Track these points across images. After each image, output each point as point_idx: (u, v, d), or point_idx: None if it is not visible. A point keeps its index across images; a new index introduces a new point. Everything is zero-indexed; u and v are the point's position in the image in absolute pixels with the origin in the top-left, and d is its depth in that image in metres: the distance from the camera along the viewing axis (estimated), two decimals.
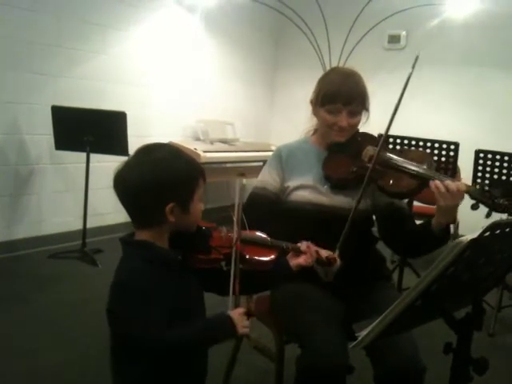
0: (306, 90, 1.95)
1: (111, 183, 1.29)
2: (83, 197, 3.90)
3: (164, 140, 4.20)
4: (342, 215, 1.71)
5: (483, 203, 1.57)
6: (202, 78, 5.41)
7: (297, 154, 1.92)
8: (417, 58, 1.67)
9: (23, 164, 3.99)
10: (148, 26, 4.77)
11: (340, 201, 1.80)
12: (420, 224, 1.77)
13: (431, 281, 0.99)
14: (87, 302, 3.08)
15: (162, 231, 1.30)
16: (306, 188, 1.83)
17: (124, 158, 1.31)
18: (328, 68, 4.58)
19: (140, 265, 1.25)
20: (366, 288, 1.80)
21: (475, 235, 0.94)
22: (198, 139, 5.09)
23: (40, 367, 2.39)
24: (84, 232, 3.98)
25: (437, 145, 2.97)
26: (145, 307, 1.19)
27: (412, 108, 4.99)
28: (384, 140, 1.73)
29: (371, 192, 1.82)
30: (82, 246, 3.98)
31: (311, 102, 1.90)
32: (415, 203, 3.46)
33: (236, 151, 5.02)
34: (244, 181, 1.41)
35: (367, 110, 1.86)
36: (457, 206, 1.60)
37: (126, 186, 1.27)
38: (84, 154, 3.82)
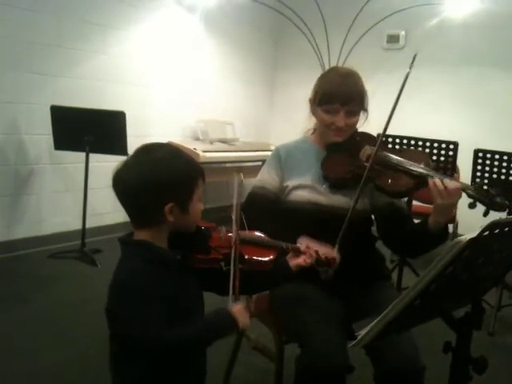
0: (306, 89, 1.95)
1: (110, 183, 1.29)
2: (82, 197, 3.90)
3: (163, 140, 4.21)
4: (340, 215, 1.71)
5: (481, 202, 1.58)
6: (201, 77, 5.42)
7: (296, 153, 1.92)
8: (414, 58, 1.67)
9: (22, 164, 3.99)
10: (148, 25, 4.77)
11: (338, 200, 1.80)
12: (417, 223, 1.77)
13: (430, 280, 1.00)
14: (87, 301, 3.07)
15: (161, 231, 1.30)
16: (305, 188, 1.83)
17: (123, 158, 1.31)
18: (327, 68, 4.58)
19: (139, 265, 1.25)
20: (365, 287, 1.80)
21: (474, 235, 0.94)
22: (197, 139, 5.09)
23: (40, 367, 2.39)
24: (83, 232, 3.98)
25: (436, 144, 2.98)
26: (144, 307, 1.19)
27: (411, 108, 5.00)
28: (381, 139, 1.73)
29: (369, 192, 1.83)
30: (81, 246, 3.98)
31: (310, 100, 1.90)
32: (414, 202, 3.46)
33: (235, 151, 5.02)
34: (242, 176, 1.41)
35: (366, 110, 1.86)
36: (454, 204, 1.61)
37: (124, 185, 1.27)
38: (83, 154, 3.82)
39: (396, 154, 1.76)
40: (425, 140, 2.98)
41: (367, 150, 1.78)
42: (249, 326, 1.32)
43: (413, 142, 3.02)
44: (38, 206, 4.14)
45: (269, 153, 2.05)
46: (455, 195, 1.58)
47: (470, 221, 1.98)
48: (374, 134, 1.90)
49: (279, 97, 6.40)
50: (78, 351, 2.55)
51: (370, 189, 1.81)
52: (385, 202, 1.82)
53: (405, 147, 3.01)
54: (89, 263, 3.84)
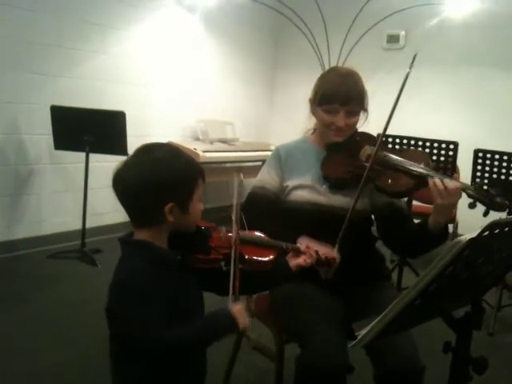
0: (306, 89, 1.95)
1: (110, 183, 1.29)
2: (82, 197, 3.91)
3: (163, 140, 4.21)
4: (340, 215, 1.71)
5: (480, 202, 1.58)
6: (201, 77, 5.42)
7: (296, 153, 1.93)
8: (414, 58, 1.67)
9: (22, 164, 3.99)
10: (148, 25, 4.77)
11: (338, 200, 1.80)
12: (417, 223, 1.77)
13: (430, 280, 1.00)
14: (87, 301, 3.07)
15: (161, 231, 1.30)
16: (305, 188, 1.83)
17: (123, 158, 1.31)
18: (327, 68, 4.58)
19: (139, 265, 1.25)
20: (365, 287, 1.80)
21: (474, 235, 0.94)
22: (197, 139, 5.09)
23: (40, 367, 2.39)
24: (83, 232, 3.98)
25: (436, 144, 2.98)
26: (144, 307, 1.19)
27: (411, 108, 5.00)
28: (381, 139, 1.74)
29: (369, 192, 1.83)
30: (81, 246, 3.98)
31: (310, 100, 1.90)
32: (414, 202, 3.46)
33: (235, 151, 5.02)
34: (242, 176, 1.41)
35: (366, 110, 1.86)
36: (454, 204, 1.61)
37: (124, 185, 1.26)
38: (83, 154, 3.82)
39: (396, 154, 1.76)
40: (425, 140, 2.99)
41: (367, 150, 1.79)
42: (249, 326, 1.32)
43: (413, 142, 3.02)
44: (38, 205, 4.14)
45: (269, 153, 2.05)
46: (455, 195, 1.58)
47: (470, 221, 1.98)
48: (374, 134, 1.90)
49: (279, 97, 6.40)
50: (78, 351, 2.55)
51: (370, 189, 1.81)
52: (385, 202, 1.82)
53: (405, 147, 3.01)
54: (89, 263, 3.84)
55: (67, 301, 3.15)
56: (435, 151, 2.97)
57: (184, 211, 1.29)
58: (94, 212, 4.33)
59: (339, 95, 1.77)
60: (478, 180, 3.01)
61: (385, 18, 5.02)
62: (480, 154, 3.04)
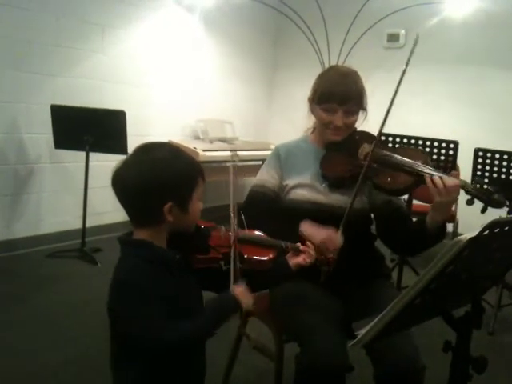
0: (305, 89, 1.95)
1: (110, 182, 1.29)
2: (82, 196, 3.91)
3: (164, 139, 4.21)
4: (339, 214, 1.71)
5: (479, 198, 1.58)
6: (201, 77, 5.41)
7: (295, 152, 1.92)
8: (417, 39, 1.67)
9: (22, 163, 3.99)
10: (147, 25, 4.77)
11: (337, 199, 1.80)
12: (415, 222, 1.77)
13: (430, 279, 0.99)
14: (87, 301, 3.07)
15: (161, 231, 1.30)
16: (304, 187, 1.83)
17: (123, 157, 1.31)
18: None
19: (139, 263, 1.24)
20: (365, 287, 1.80)
21: (474, 234, 0.94)
22: (197, 138, 5.10)
23: (40, 367, 2.38)
24: (83, 231, 3.98)
25: (436, 143, 2.98)
26: (145, 306, 1.19)
27: (411, 107, 5.01)
28: (379, 137, 1.74)
29: (368, 190, 1.83)
30: (81, 245, 3.98)
31: (309, 99, 1.90)
32: (414, 202, 3.46)
33: (235, 150, 5.01)
34: (237, 154, 1.41)
35: (364, 109, 1.86)
36: (452, 202, 1.61)
37: (124, 184, 1.26)
38: (83, 153, 3.82)
39: (394, 153, 1.76)
40: (425, 139, 2.99)
41: (365, 149, 1.79)
42: (251, 306, 1.33)
43: (413, 141, 3.02)
44: (37, 205, 4.14)
45: (268, 152, 2.05)
46: (453, 192, 1.58)
47: (470, 220, 1.98)
48: (374, 132, 1.89)
49: (279, 96, 6.39)
50: (78, 351, 2.55)
51: (369, 187, 1.81)
52: (383, 201, 1.82)
53: (405, 146, 3.00)
54: (89, 262, 3.84)
55: (67, 300, 3.15)
56: (435, 150, 2.98)
57: (183, 211, 1.28)
58: (94, 211, 4.33)
59: (338, 94, 1.77)
60: (483, 179, 3.01)
61: (385, 17, 5.02)
62: (480, 153, 3.04)
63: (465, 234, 0.95)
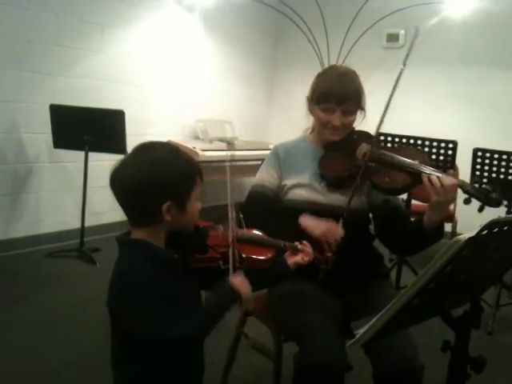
0: (305, 89, 1.95)
1: (109, 182, 1.29)
2: (81, 195, 3.91)
3: (163, 139, 4.20)
4: (338, 214, 1.71)
5: (476, 197, 1.58)
6: (200, 77, 5.41)
7: (294, 152, 1.93)
8: (417, 32, 1.67)
9: (21, 163, 3.99)
10: (147, 25, 4.77)
11: (336, 199, 1.80)
12: (412, 221, 1.77)
13: (429, 279, 0.99)
14: (86, 301, 3.07)
15: (159, 230, 1.29)
16: (303, 186, 1.83)
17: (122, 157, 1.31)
18: None
19: (139, 262, 1.24)
20: (363, 286, 1.80)
21: (473, 233, 0.94)
22: (197, 138, 5.10)
23: (41, 369, 2.37)
24: (82, 231, 3.98)
25: (435, 143, 2.98)
26: (146, 304, 1.18)
27: (410, 107, 5.01)
28: (376, 136, 1.74)
29: (367, 190, 1.83)
30: (80, 245, 3.98)
31: (307, 98, 1.90)
32: (413, 202, 3.46)
33: (235, 150, 5.01)
34: (233, 148, 1.41)
35: (363, 109, 1.86)
36: (449, 201, 1.61)
37: (122, 184, 1.26)
38: (82, 153, 3.82)
39: (392, 152, 1.76)
40: (424, 139, 2.99)
41: (364, 148, 1.79)
42: (250, 295, 1.33)
43: (412, 141, 3.02)
44: (36, 204, 4.14)
45: (267, 152, 2.05)
46: (451, 191, 1.58)
47: (469, 220, 1.98)
48: (373, 132, 1.90)
49: (278, 96, 6.39)
50: (79, 352, 2.54)
51: (368, 187, 1.81)
52: (382, 200, 1.82)
53: (404, 146, 3.01)
54: (88, 262, 3.84)
55: (67, 300, 3.14)
56: (434, 150, 2.98)
57: (182, 210, 1.28)
58: (93, 211, 4.33)
59: (336, 94, 1.77)
60: (480, 179, 3.02)
61: (384, 17, 5.03)
62: (479, 153, 3.05)
63: (463, 234, 0.95)
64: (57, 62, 4.07)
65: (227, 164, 1.42)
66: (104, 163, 4.02)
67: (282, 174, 1.89)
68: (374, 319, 1.09)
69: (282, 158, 1.91)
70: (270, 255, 1.46)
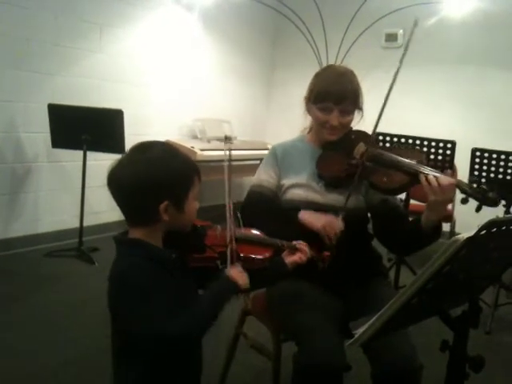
0: (303, 89, 1.95)
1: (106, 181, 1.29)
2: (80, 195, 3.91)
3: (161, 138, 4.19)
4: (336, 213, 1.71)
5: (473, 197, 1.58)
6: (199, 76, 5.41)
7: (292, 152, 1.93)
8: (415, 23, 1.68)
9: (20, 162, 3.98)
10: (146, 24, 4.77)
11: (333, 199, 1.80)
12: (410, 221, 1.78)
13: (427, 279, 1.00)
14: (85, 300, 3.07)
15: (156, 230, 1.29)
16: (301, 186, 1.84)
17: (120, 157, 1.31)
18: None
19: (138, 262, 1.24)
20: (362, 286, 1.80)
21: (471, 233, 0.94)
22: (195, 137, 5.10)
23: (40, 368, 2.37)
24: (81, 230, 3.97)
25: (434, 143, 2.98)
26: (145, 303, 1.18)
27: (409, 107, 5.01)
28: (373, 135, 1.74)
29: (365, 189, 1.83)
30: (78, 245, 3.98)
31: (305, 98, 1.90)
32: (412, 201, 3.46)
33: (233, 149, 5.00)
34: (231, 142, 1.42)
35: (360, 109, 1.86)
36: (447, 201, 1.61)
37: (119, 184, 1.26)
38: (81, 153, 3.81)
39: (390, 152, 1.76)
40: (422, 139, 2.99)
41: (361, 148, 1.79)
42: (248, 285, 1.33)
43: (411, 141, 3.02)
44: (35, 204, 4.14)
45: (266, 151, 2.05)
46: (448, 191, 1.58)
47: (467, 220, 1.98)
48: (371, 132, 1.90)
49: (276, 96, 6.39)
50: (78, 352, 2.53)
51: (366, 186, 1.82)
52: (380, 200, 1.83)
53: (402, 145, 3.01)
54: (86, 261, 3.84)
55: (66, 300, 3.14)
56: (433, 150, 2.98)
57: (179, 210, 1.28)
58: (92, 210, 4.32)
59: (333, 93, 1.77)
60: (476, 179, 3.02)
61: (383, 16, 5.02)
62: (477, 153, 3.05)
63: (462, 234, 0.95)
64: (55, 61, 4.07)
65: (226, 153, 1.42)
66: (102, 163, 3.99)
67: (281, 174, 1.89)
68: (373, 319, 1.09)
69: (280, 157, 1.92)
70: (267, 254, 1.46)
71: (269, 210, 1.82)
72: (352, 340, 1.13)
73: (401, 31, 5.31)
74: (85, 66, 4.30)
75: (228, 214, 1.40)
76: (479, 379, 1.28)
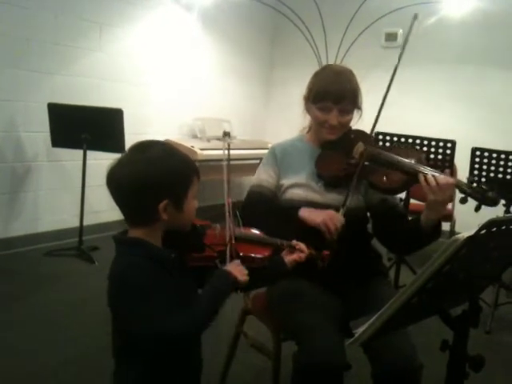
0: (303, 88, 1.95)
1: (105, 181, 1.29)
2: (80, 194, 3.91)
3: (161, 138, 4.20)
4: (337, 210, 1.72)
5: (472, 197, 1.58)
6: (198, 76, 5.41)
7: (291, 152, 1.93)
8: (415, 17, 1.68)
9: (20, 161, 3.98)
10: (145, 23, 4.77)
11: (333, 198, 1.81)
12: (410, 220, 1.78)
13: (427, 278, 1.00)
14: (85, 300, 3.07)
15: (156, 229, 1.29)
16: (300, 186, 1.84)
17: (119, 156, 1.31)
18: None
19: (138, 261, 1.24)
20: (362, 285, 1.80)
21: (471, 233, 0.94)
22: (195, 137, 5.10)
23: (40, 367, 2.37)
24: (81, 229, 3.97)
25: (434, 143, 2.98)
26: (144, 303, 1.18)
27: (409, 106, 5.01)
28: (371, 134, 1.74)
29: (364, 189, 1.83)
30: (78, 244, 3.98)
31: (304, 98, 1.90)
32: (412, 201, 3.46)
33: (233, 148, 5.00)
34: (229, 138, 1.43)
35: (359, 108, 1.86)
36: (446, 201, 1.61)
37: (119, 183, 1.26)
38: (81, 152, 3.81)
39: (389, 151, 1.76)
40: (422, 138, 2.99)
41: (360, 147, 1.79)
42: (246, 279, 1.33)
43: (410, 141, 3.02)
44: (35, 203, 4.14)
45: (265, 151, 2.05)
46: (447, 190, 1.58)
47: (467, 219, 1.98)
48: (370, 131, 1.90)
49: (276, 95, 6.39)
50: (78, 351, 2.53)
51: (365, 186, 1.82)
52: (379, 199, 1.83)
53: (401, 145, 3.01)
54: (86, 260, 3.84)
55: (66, 299, 3.14)
56: (433, 150, 2.98)
57: (178, 209, 1.28)
58: (92, 209, 4.32)
59: (332, 93, 1.77)
60: (475, 179, 3.02)
61: (383, 16, 5.02)
62: (477, 153, 3.05)
63: (462, 233, 0.95)
64: (55, 60, 4.06)
65: (224, 164, 1.42)
66: (102, 162, 3.96)
67: (280, 174, 1.89)
68: (373, 318, 1.09)
69: (280, 157, 1.92)
70: (267, 254, 1.46)
71: (269, 210, 1.82)
72: (352, 339, 1.13)
73: (401, 31, 5.31)
74: (84, 65, 4.29)
75: (227, 213, 1.40)
76: (479, 379, 1.28)
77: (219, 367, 2.19)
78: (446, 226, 1.82)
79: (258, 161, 4.47)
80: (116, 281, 1.24)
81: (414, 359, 1.53)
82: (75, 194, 4.04)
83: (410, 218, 1.81)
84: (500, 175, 2.99)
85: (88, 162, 3.87)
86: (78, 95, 4.10)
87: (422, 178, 1.62)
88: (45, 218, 4.21)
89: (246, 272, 1.33)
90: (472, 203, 1.62)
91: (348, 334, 1.56)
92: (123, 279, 1.22)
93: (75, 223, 4.05)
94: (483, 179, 3.02)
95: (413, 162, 1.69)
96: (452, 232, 4.09)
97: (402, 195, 3.25)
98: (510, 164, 2.96)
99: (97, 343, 2.47)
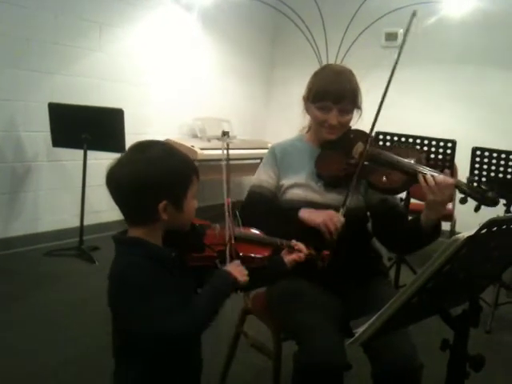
0: (303, 87, 1.95)
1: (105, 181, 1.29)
2: (80, 194, 3.91)
3: (161, 138, 4.20)
4: (337, 210, 1.72)
5: (472, 197, 1.58)
6: (198, 75, 5.41)
7: (291, 152, 1.93)
8: (414, 14, 1.68)
9: (20, 161, 3.98)
10: (145, 23, 4.76)
11: (332, 198, 1.80)
12: (410, 220, 1.78)
13: (427, 278, 1.00)
14: (85, 299, 3.07)
15: (155, 229, 1.29)
16: (300, 186, 1.84)
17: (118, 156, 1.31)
18: None
19: (138, 261, 1.24)
20: (362, 285, 1.80)
21: (472, 232, 0.94)
22: (195, 136, 5.10)
23: (40, 367, 2.37)
24: (81, 229, 3.97)
25: (434, 143, 2.98)
26: (144, 302, 1.18)
27: (409, 106, 5.01)
28: (370, 134, 1.74)
29: (364, 189, 1.83)
30: (79, 244, 3.98)
31: (304, 97, 1.90)
32: (412, 200, 3.46)
33: (233, 148, 5.00)
34: (228, 137, 1.43)
35: (359, 107, 1.86)
36: (445, 201, 1.60)
37: (118, 183, 1.26)
38: (81, 152, 3.81)
39: (389, 151, 1.76)
40: (423, 138, 2.99)
41: (360, 147, 1.79)
42: (246, 279, 1.33)
43: (411, 140, 3.02)
44: (35, 203, 4.14)
45: (265, 151, 2.05)
46: (446, 190, 1.58)
47: (468, 219, 1.98)
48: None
49: (276, 95, 6.38)
50: (78, 351, 2.53)
51: (365, 186, 1.81)
52: (379, 199, 1.83)
53: (401, 145, 3.01)
54: (87, 261, 3.83)
55: (66, 299, 3.14)
56: (433, 149, 2.98)
57: (178, 209, 1.28)
58: (92, 209, 4.32)
59: (332, 92, 1.77)
60: (476, 178, 3.02)
61: (383, 16, 5.02)
62: (478, 152, 3.05)
63: (462, 233, 0.95)
64: (55, 60, 4.06)
65: (223, 164, 1.42)
66: (103, 162, 3.96)
67: (280, 174, 1.89)
68: (373, 318, 1.09)
69: (279, 157, 1.92)
70: (266, 253, 1.46)
71: (269, 211, 1.82)
72: (352, 339, 1.13)
73: (401, 30, 5.30)
74: (84, 65, 4.29)
75: (227, 213, 1.40)
76: (479, 378, 1.28)
77: (219, 367, 2.19)
78: (446, 226, 1.82)
79: (258, 161, 4.47)
80: (116, 280, 1.24)
81: (414, 359, 1.52)
82: (75, 194, 4.04)
83: (410, 218, 1.81)
84: (500, 175, 2.99)
85: (88, 161, 3.87)
86: (77, 95, 4.09)
87: (421, 177, 1.62)
88: (45, 217, 4.21)
89: (245, 272, 1.33)
90: (472, 203, 1.62)
91: (348, 333, 1.56)
92: (123, 279, 1.22)
93: (75, 223, 4.05)
94: (484, 179, 3.02)
95: (412, 161, 1.69)
96: (452, 232, 4.09)
97: (403, 195, 3.25)
98: (510, 164, 2.96)
99: (97, 343, 2.47)
